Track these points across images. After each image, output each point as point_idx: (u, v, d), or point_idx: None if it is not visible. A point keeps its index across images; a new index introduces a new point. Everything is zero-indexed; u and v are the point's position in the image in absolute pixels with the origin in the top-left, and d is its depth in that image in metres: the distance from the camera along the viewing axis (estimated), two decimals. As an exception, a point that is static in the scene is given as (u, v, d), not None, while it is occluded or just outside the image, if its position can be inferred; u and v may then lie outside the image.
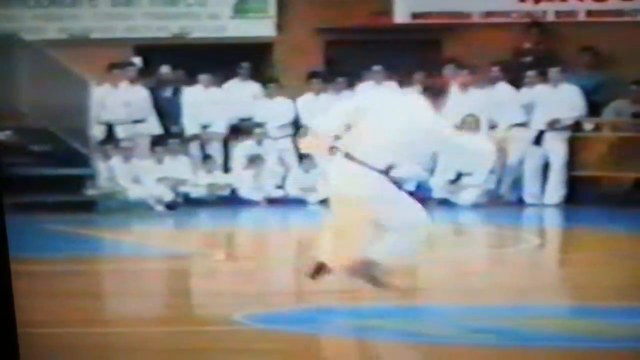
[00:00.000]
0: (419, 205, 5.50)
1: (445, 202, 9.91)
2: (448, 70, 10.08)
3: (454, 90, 10.01)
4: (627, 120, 9.83)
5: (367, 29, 10.45)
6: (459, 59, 10.22)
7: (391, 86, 10.32)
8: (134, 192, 9.70)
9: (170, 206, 9.69)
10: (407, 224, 5.34)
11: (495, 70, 10.14)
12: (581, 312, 5.30)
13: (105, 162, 9.78)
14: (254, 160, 10.12)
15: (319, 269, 5.42)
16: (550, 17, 10.44)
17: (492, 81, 10.17)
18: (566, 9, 10.51)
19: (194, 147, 10.29)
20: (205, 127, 10.34)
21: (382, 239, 5.34)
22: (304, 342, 4.73)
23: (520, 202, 9.98)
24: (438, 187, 10.01)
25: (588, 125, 10.07)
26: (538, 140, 9.97)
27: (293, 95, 10.29)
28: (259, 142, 10.22)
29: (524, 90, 10.05)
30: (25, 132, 9.39)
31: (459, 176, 10.05)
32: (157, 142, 10.10)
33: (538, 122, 9.96)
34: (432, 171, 10.11)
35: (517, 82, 10.10)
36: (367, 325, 5.04)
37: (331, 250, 5.43)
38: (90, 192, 9.44)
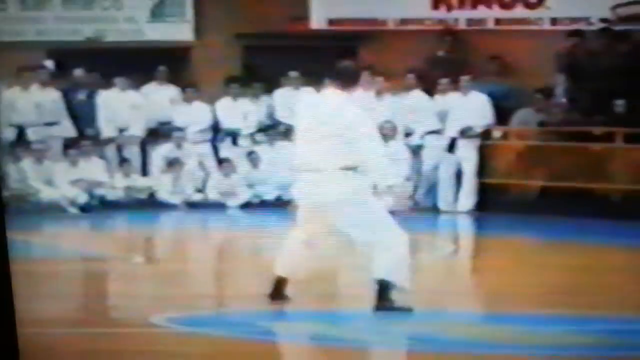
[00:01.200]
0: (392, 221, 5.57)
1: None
2: (364, 76, 10.30)
3: (370, 97, 10.29)
4: (532, 129, 10.19)
5: (285, 34, 10.58)
6: (374, 66, 10.44)
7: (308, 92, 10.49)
8: (46, 194, 9.56)
9: (84, 208, 9.59)
10: (382, 242, 5.46)
11: (411, 77, 10.42)
12: (494, 319, 5.49)
13: (16, 164, 9.61)
14: (173, 163, 10.13)
15: (279, 287, 5.40)
16: (462, 25, 10.74)
17: (408, 88, 10.46)
18: (477, 17, 10.80)
19: (110, 150, 10.24)
20: (122, 130, 10.31)
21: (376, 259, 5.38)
22: (225, 345, 4.78)
23: (434, 209, 10.28)
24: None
25: (497, 134, 10.41)
26: (451, 147, 10.26)
27: (211, 100, 10.36)
28: (178, 146, 10.25)
29: (437, 97, 10.36)
30: None
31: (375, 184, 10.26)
32: (70, 144, 10.01)
33: (451, 130, 10.27)
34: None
35: (431, 90, 10.41)
36: (285, 329, 5.12)
37: (293, 263, 5.46)
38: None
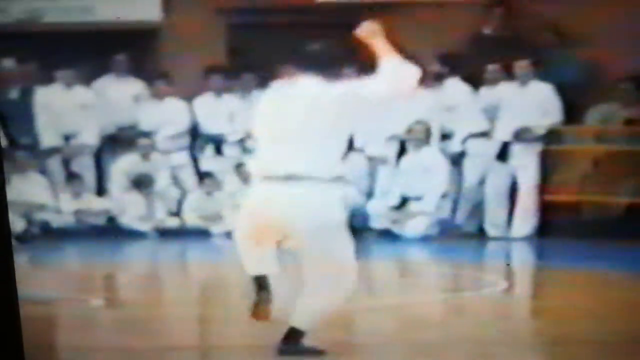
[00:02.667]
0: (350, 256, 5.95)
1: (387, 234, 10.48)
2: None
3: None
4: (616, 128, 10.26)
5: (281, 9, 10.77)
6: (402, 50, 10.64)
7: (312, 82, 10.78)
8: (-28, 221, 9.85)
9: (22, 238, 9.87)
10: (330, 280, 5.89)
11: (442, 64, 10.56)
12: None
13: None
14: (140, 180, 10.40)
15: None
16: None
17: (440, 78, 10.63)
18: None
19: (54, 164, 10.48)
20: (69, 137, 10.60)
21: (301, 303, 5.89)
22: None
23: (480, 234, 10.55)
24: (378, 214, 10.56)
25: (566, 135, 10.53)
26: (503, 154, 10.48)
27: (187, 96, 10.54)
28: (145, 157, 10.51)
29: (484, 90, 10.58)
30: None
31: (404, 201, 10.60)
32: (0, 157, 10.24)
33: (503, 132, 10.48)
34: (369, 194, 10.59)
35: (474, 79, 10.62)
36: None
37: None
38: None
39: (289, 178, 5.75)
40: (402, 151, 10.66)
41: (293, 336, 5.96)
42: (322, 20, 10.92)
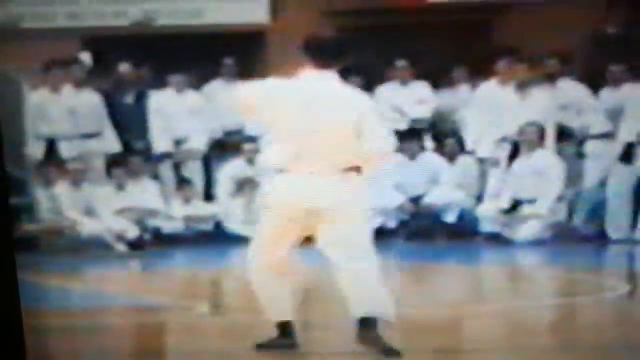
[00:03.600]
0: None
1: (497, 238, 10.41)
2: (501, 64, 10.52)
3: (508, 91, 10.49)
4: None
5: (391, 10, 10.78)
6: (516, 49, 10.57)
7: (422, 86, 10.75)
8: (87, 227, 10.10)
9: (135, 244, 10.08)
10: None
11: (556, 63, 10.48)
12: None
13: (48, 189, 10.17)
14: (245, 184, 10.51)
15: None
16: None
17: (556, 78, 10.53)
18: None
19: (165, 169, 10.69)
20: (179, 142, 10.76)
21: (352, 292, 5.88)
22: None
23: (600, 238, 10.40)
24: (488, 218, 10.47)
25: None
26: (627, 156, 10.33)
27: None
28: (251, 161, 10.63)
29: (606, 90, 10.45)
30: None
31: (516, 204, 10.45)
32: (115, 162, 10.46)
33: (627, 133, 10.32)
34: (479, 197, 10.50)
35: (595, 80, 10.48)
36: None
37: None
38: (28, 227, 9.83)
39: (313, 169, 5.76)
40: (514, 153, 10.60)
41: (366, 325, 5.86)
42: (434, 21, 10.89)
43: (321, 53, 5.79)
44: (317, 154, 5.72)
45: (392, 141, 6.06)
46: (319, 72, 5.79)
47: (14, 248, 4.25)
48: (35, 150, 10.42)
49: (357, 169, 5.78)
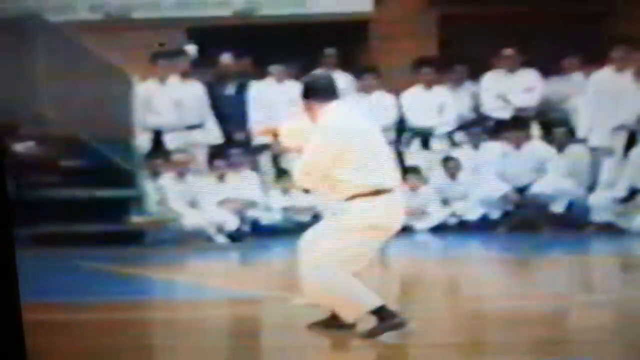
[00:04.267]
0: None
1: (610, 228, 10.13)
2: (617, 52, 10.26)
3: (624, 79, 10.22)
4: None
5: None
6: (632, 38, 10.33)
7: (530, 74, 10.54)
8: (191, 219, 10.19)
9: (235, 237, 10.15)
10: None
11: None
12: None
13: (154, 181, 10.29)
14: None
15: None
16: None
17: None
18: None
19: (265, 160, 10.72)
20: (278, 133, 10.79)
21: None
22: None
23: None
24: (601, 207, 10.19)
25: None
26: None
27: (396, 89, 10.56)
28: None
29: None
30: (50, 143, 9.91)
31: (633, 193, 10.17)
32: (217, 153, 10.55)
33: None
34: (590, 187, 10.26)
35: None
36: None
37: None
38: (136, 219, 9.96)
39: (386, 188, 6.17)
40: (630, 141, 10.33)
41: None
42: (542, 10, 10.69)
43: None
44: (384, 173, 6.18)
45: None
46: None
47: (13, 243, 4.27)
48: (142, 142, 10.53)
49: None
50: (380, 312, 6.21)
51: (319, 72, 6.71)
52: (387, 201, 6.14)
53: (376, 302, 6.23)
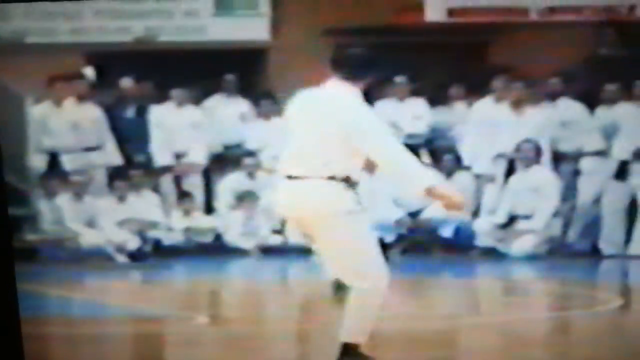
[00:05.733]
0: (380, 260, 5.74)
1: (493, 252, 10.45)
2: (497, 82, 10.57)
3: (503, 109, 10.54)
4: None
5: (389, 29, 10.82)
6: (511, 68, 10.63)
7: (418, 102, 10.77)
8: (88, 238, 10.14)
9: (136, 256, 10.13)
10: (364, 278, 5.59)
11: (557, 82, 10.54)
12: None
13: (50, 201, 10.22)
14: (245, 198, 10.57)
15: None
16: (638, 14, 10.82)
17: (554, 97, 10.58)
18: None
19: (166, 182, 10.75)
20: (179, 156, 10.82)
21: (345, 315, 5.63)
22: None
23: (594, 253, 10.45)
24: (484, 232, 10.55)
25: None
26: (621, 173, 10.38)
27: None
28: (251, 175, 10.70)
29: (600, 109, 10.51)
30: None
31: (512, 219, 10.51)
32: (117, 175, 10.53)
33: (621, 151, 10.37)
34: (475, 212, 10.53)
35: (590, 99, 10.56)
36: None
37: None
38: (30, 237, 9.87)
39: (294, 176, 5.65)
40: (510, 169, 10.63)
41: (348, 352, 5.67)
42: (431, 41, 10.93)
43: (346, 67, 5.72)
44: (304, 159, 5.64)
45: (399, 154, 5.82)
46: (341, 84, 5.70)
47: (13, 257, 4.26)
48: (37, 162, 10.45)
49: (347, 180, 5.67)
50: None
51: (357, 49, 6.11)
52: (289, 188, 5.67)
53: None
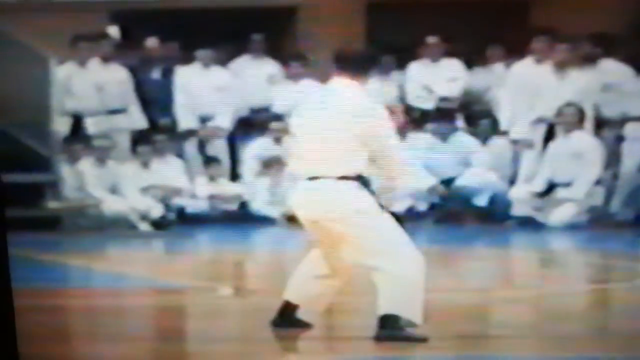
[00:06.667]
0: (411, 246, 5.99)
1: (530, 222, 10.29)
2: (538, 43, 10.41)
3: (544, 71, 10.38)
4: None
5: None
6: (554, 29, 10.48)
7: (453, 64, 10.63)
8: (111, 206, 10.11)
9: (160, 224, 10.11)
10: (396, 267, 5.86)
11: (600, 43, 10.38)
12: None
13: (73, 166, 10.18)
14: (271, 164, 10.50)
15: (284, 312, 6.12)
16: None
17: (596, 58, 10.39)
18: None
19: (191, 147, 10.69)
20: (205, 120, 10.73)
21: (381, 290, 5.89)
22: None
23: (638, 223, 10.30)
24: (521, 201, 10.37)
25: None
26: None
27: (324, 77, 10.56)
28: (278, 140, 10.59)
29: (647, 71, 10.40)
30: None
31: (551, 187, 10.34)
32: (140, 139, 10.47)
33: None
34: (512, 180, 10.41)
35: (636, 61, 10.42)
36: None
37: (305, 289, 6.13)
38: (53, 205, 9.87)
39: (314, 177, 5.96)
40: (549, 134, 10.50)
41: (389, 322, 5.91)
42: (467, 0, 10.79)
43: (349, 65, 6.08)
44: (317, 160, 5.92)
45: (404, 163, 6.17)
46: (345, 81, 6.05)
47: (5, 228, 4.23)
48: (60, 126, 10.43)
49: (359, 178, 5.92)
50: None
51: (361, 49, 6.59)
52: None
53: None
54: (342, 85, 6.03)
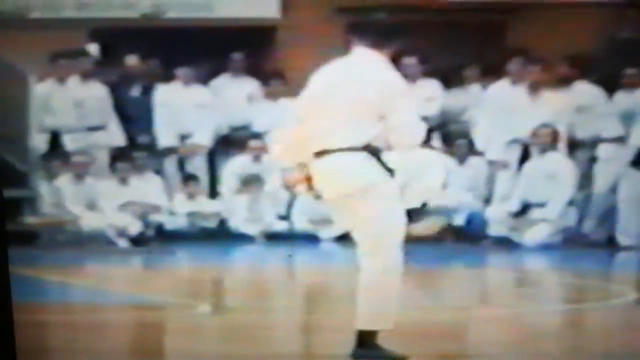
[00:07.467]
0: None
1: (505, 242, 10.37)
2: (513, 65, 10.48)
3: (520, 92, 10.45)
4: None
5: (404, 8, 10.76)
6: (529, 50, 10.55)
7: (430, 84, 10.68)
8: (89, 222, 10.09)
9: (138, 241, 10.08)
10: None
11: (574, 65, 10.47)
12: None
13: (50, 183, 10.17)
14: (250, 182, 10.51)
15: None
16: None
17: (570, 81, 10.48)
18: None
19: (170, 164, 10.70)
20: (184, 137, 10.74)
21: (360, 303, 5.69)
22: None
23: (610, 244, 10.38)
24: (497, 221, 10.41)
25: None
26: (639, 161, 10.34)
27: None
28: (257, 159, 10.63)
29: (620, 94, 10.42)
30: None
31: (525, 207, 10.40)
32: (119, 156, 10.47)
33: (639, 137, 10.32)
34: (488, 200, 10.46)
35: (609, 83, 10.47)
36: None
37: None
38: (30, 220, 9.85)
39: (325, 151, 5.61)
40: (524, 155, 10.56)
41: (364, 343, 5.71)
42: (445, 20, 10.85)
43: (369, 34, 5.77)
44: (331, 132, 5.57)
45: (420, 129, 5.89)
46: (366, 51, 5.71)
47: (7, 242, 4.23)
48: (39, 142, 10.42)
49: (375, 150, 5.61)
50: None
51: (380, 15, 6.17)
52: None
53: None
54: (361, 55, 5.67)
